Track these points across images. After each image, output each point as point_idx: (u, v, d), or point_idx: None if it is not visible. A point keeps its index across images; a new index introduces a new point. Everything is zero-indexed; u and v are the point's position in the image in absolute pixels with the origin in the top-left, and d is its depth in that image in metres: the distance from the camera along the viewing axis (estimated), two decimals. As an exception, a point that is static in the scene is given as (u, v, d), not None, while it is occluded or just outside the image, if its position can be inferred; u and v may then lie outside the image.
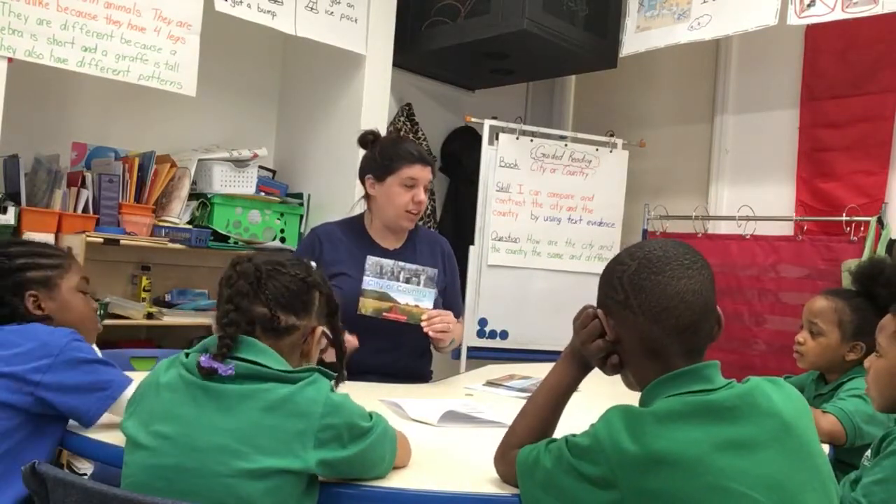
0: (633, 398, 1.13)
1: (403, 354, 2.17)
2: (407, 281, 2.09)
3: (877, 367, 1.47)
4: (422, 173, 2.15)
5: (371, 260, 2.08)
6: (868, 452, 1.49)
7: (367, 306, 2.05)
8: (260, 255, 1.25)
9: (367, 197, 2.23)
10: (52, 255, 1.53)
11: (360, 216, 2.28)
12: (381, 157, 2.16)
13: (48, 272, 1.48)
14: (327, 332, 1.29)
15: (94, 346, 1.59)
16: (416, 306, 2.08)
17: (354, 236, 2.21)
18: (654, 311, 1.07)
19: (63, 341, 1.35)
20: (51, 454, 1.36)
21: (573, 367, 1.22)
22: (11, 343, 1.34)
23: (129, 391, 1.33)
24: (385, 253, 2.17)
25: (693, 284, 1.07)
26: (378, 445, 1.16)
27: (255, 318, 1.17)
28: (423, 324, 2.05)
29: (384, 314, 2.05)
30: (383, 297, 2.06)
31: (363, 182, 2.21)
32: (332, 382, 1.18)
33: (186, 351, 1.19)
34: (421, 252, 2.23)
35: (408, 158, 2.14)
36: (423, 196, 2.15)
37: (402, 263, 2.10)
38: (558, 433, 1.18)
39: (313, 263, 1.31)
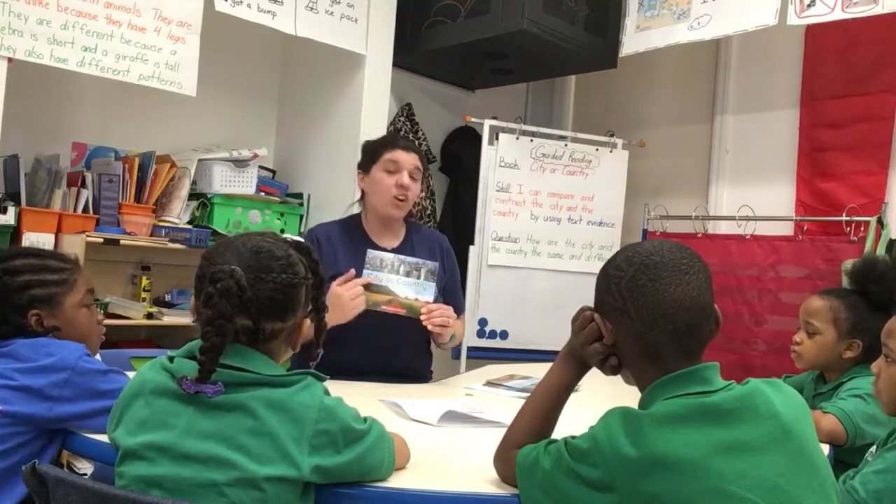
0: (632, 397, 1.13)
1: (404, 354, 2.17)
2: (407, 274, 2.07)
3: (889, 373, 1.46)
4: (403, 157, 2.15)
5: (371, 253, 2.06)
6: (873, 448, 1.50)
7: (367, 299, 2.02)
8: (240, 247, 1.16)
9: (362, 196, 2.24)
10: (59, 269, 1.49)
11: (358, 215, 2.28)
12: (366, 150, 2.22)
13: (52, 289, 1.46)
14: (314, 318, 1.24)
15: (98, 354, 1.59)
16: (416, 299, 2.06)
17: (351, 235, 2.21)
18: (651, 316, 1.07)
19: (75, 355, 1.36)
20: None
21: (571, 366, 1.22)
22: (25, 357, 1.35)
23: None
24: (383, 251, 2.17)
25: (690, 290, 1.07)
26: (375, 450, 1.14)
27: (238, 329, 1.12)
28: (422, 317, 2.04)
29: (383, 307, 2.03)
30: (382, 290, 2.04)
31: (357, 181, 2.25)
32: (324, 384, 1.15)
33: (170, 355, 1.16)
34: (419, 250, 2.23)
35: (387, 144, 2.17)
36: (407, 180, 2.13)
37: (402, 257, 2.09)
38: (558, 433, 1.18)
39: (296, 239, 1.25)
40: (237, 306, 1.10)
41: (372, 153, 2.19)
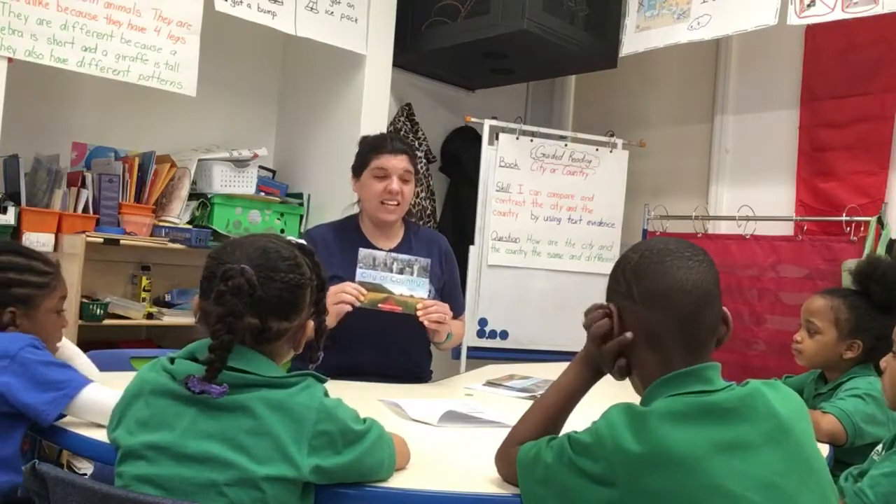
0: (634, 398, 1.13)
1: (403, 354, 2.17)
2: (401, 271, 2.06)
3: (893, 368, 1.46)
4: (391, 162, 2.14)
5: (363, 252, 2.06)
6: (879, 447, 1.50)
7: (362, 298, 2.01)
8: (249, 247, 1.16)
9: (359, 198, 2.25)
10: (43, 272, 1.52)
11: (356, 216, 2.28)
12: (358, 154, 2.21)
13: (33, 291, 1.49)
14: (315, 320, 1.24)
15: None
16: (411, 296, 2.05)
17: (348, 237, 2.21)
18: (652, 297, 1.09)
19: (20, 344, 1.36)
20: (14, 451, 1.37)
21: (585, 370, 1.22)
22: None
23: (89, 392, 1.35)
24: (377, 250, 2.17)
25: (692, 275, 1.09)
26: (375, 451, 1.14)
27: (245, 328, 1.13)
28: (418, 313, 2.02)
29: (379, 305, 2.02)
30: (377, 288, 2.03)
31: (351, 185, 2.25)
32: (324, 385, 1.15)
33: (170, 356, 1.16)
34: (418, 251, 2.22)
35: (375, 149, 2.16)
36: (396, 186, 2.13)
37: (394, 254, 2.09)
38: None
39: (299, 241, 1.26)
40: (247, 304, 1.11)
41: (363, 157, 2.19)
